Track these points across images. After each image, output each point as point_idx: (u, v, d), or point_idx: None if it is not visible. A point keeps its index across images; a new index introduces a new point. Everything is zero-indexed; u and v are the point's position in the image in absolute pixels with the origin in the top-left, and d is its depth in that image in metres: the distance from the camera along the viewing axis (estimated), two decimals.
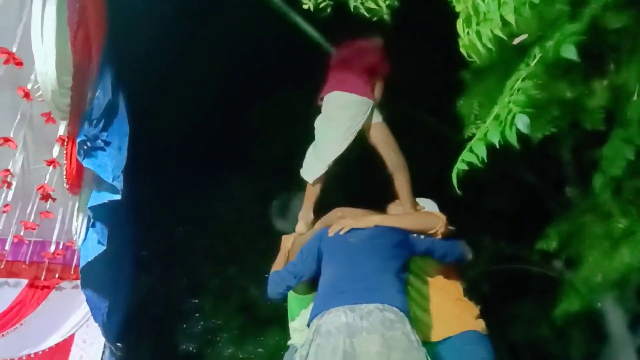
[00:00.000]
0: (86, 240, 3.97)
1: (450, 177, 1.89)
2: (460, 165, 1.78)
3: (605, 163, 2.80)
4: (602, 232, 3.43)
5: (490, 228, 7.93)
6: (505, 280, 8.46)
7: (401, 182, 2.67)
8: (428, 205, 2.69)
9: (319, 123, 2.81)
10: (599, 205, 3.36)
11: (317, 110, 3.16)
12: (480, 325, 2.32)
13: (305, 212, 2.65)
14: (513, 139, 1.59)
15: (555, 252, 4.98)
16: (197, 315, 10.64)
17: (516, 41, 1.80)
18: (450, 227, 2.40)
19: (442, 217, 2.34)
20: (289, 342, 2.55)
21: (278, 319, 9.51)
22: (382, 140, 2.79)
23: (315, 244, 2.29)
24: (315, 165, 2.68)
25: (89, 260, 3.68)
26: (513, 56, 2.18)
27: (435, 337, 2.27)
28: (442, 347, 2.22)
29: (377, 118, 2.82)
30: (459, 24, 1.82)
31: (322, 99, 2.91)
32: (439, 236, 2.31)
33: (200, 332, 10.63)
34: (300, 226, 2.63)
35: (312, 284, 2.42)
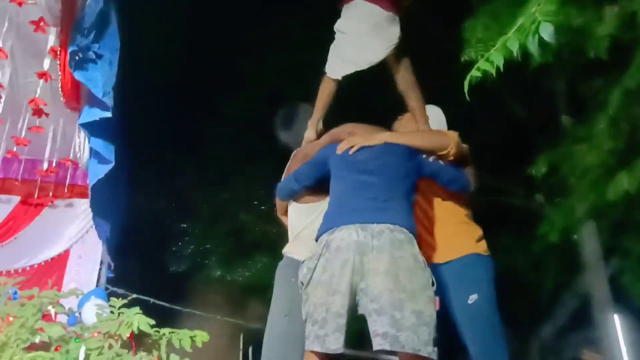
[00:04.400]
0: (93, 157, 3.92)
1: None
2: (474, 73, 1.76)
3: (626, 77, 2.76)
4: (596, 161, 3.50)
5: (477, 160, 8.01)
6: (487, 212, 8.70)
7: (414, 99, 2.56)
8: (434, 112, 2.53)
9: (347, 28, 2.57)
10: (593, 135, 3.41)
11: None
12: (481, 247, 2.32)
13: (315, 119, 2.57)
14: (535, 49, 1.57)
15: (542, 181, 5.09)
16: (187, 238, 10.90)
17: None
18: (464, 145, 2.29)
19: (455, 138, 2.22)
20: (284, 251, 2.55)
21: (265, 243, 9.78)
22: (398, 57, 2.65)
23: (323, 154, 2.25)
24: (344, 63, 2.44)
25: (100, 177, 3.66)
26: None
27: (437, 259, 2.30)
28: (444, 269, 2.25)
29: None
30: None
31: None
32: (451, 157, 2.21)
33: (189, 254, 10.95)
34: (310, 133, 2.55)
35: (312, 195, 2.44)
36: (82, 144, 4.09)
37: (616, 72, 3.59)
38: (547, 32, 1.54)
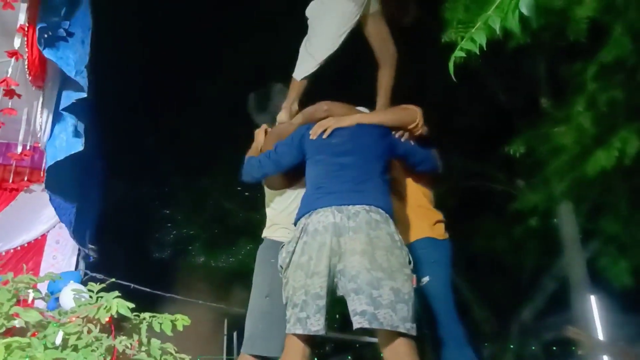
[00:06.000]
0: (53, 138, 3.82)
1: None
2: (458, 53, 1.73)
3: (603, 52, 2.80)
4: (573, 141, 3.55)
5: (459, 146, 8.09)
6: (469, 196, 8.82)
7: (385, 76, 2.53)
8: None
9: (312, 12, 2.57)
10: (572, 117, 3.45)
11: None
12: (436, 231, 2.35)
13: (289, 103, 2.53)
14: (515, 25, 1.56)
15: (521, 163, 5.14)
16: (169, 224, 10.84)
17: None
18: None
19: (419, 111, 2.24)
20: (263, 235, 2.54)
21: (249, 229, 9.76)
22: (376, 31, 2.56)
23: (298, 137, 2.24)
24: (306, 62, 2.50)
25: (59, 159, 3.57)
26: None
27: None
28: None
29: (374, 7, 2.58)
30: None
31: None
32: (419, 130, 2.25)
33: (173, 240, 10.89)
34: (282, 115, 2.52)
35: (286, 181, 2.42)
36: (43, 124, 3.97)
37: (595, 54, 3.63)
38: (526, 6, 1.53)
